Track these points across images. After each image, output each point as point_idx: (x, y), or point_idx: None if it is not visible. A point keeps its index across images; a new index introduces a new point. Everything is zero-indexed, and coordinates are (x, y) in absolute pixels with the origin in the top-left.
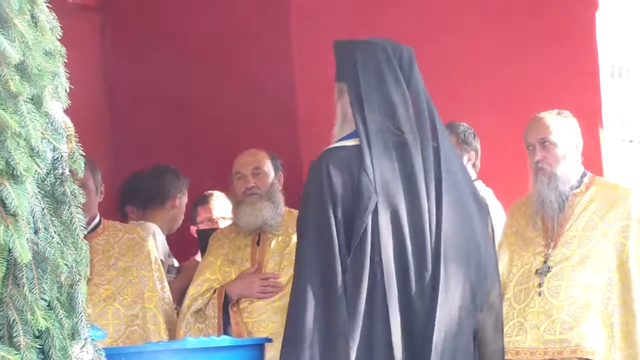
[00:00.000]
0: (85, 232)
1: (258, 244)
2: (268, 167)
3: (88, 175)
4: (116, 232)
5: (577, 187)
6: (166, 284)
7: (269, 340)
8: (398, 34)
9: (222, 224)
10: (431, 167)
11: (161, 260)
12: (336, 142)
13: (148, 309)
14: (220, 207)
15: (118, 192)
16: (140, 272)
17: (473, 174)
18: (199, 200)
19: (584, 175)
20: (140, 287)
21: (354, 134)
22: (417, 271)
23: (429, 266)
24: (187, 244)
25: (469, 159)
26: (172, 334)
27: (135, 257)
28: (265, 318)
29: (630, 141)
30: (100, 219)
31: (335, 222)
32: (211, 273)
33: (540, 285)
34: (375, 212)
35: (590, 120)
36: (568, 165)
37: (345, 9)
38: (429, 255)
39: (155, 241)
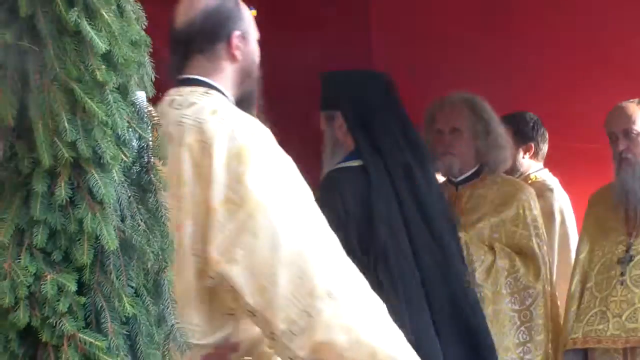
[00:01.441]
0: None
1: None
2: None
3: None
4: None
5: None
6: None
7: None
8: None
9: None
10: (432, 189)
11: None
12: (338, 163)
13: None
14: None
15: None
16: None
17: (535, 165)
18: None
19: None
20: None
21: (353, 156)
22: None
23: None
24: None
25: (527, 151)
26: None
27: None
28: None
29: None
30: None
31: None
32: None
33: (622, 274)
34: (390, 227)
35: None
36: None
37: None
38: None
39: None
